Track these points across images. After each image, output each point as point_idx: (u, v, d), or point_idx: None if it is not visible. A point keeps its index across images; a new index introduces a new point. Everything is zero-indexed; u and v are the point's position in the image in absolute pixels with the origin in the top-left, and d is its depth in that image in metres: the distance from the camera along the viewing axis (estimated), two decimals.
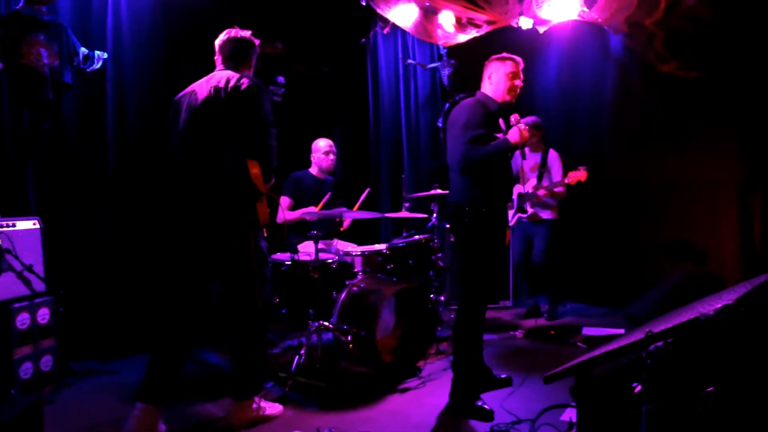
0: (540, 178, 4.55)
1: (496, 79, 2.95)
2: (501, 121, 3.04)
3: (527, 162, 4.64)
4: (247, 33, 2.77)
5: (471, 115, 2.86)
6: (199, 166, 2.57)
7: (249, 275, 2.60)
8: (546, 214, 4.54)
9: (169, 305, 2.63)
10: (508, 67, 2.94)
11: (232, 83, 2.55)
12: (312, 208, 3.85)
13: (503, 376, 3.14)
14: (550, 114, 5.47)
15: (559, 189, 4.45)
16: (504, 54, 3.00)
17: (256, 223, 2.56)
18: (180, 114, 2.62)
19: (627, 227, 5.03)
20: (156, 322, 2.67)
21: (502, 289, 5.20)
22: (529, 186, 4.57)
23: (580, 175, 4.26)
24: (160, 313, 2.65)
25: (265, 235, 2.69)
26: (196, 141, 2.57)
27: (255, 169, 2.52)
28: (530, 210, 4.55)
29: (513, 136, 2.84)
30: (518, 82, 2.97)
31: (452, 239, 3.96)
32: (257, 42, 2.82)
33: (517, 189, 4.65)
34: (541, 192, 4.47)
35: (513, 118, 2.95)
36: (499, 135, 2.92)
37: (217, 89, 2.55)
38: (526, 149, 4.64)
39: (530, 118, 4.57)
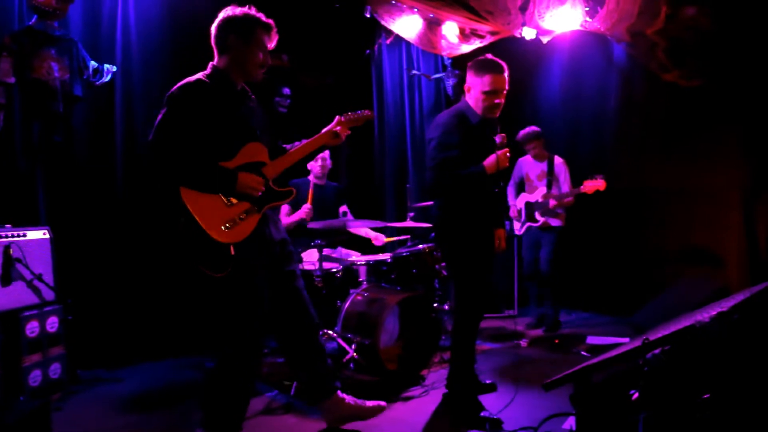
0: (549, 187, 4.52)
1: (474, 95, 2.68)
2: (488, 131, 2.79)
3: (533, 170, 4.63)
4: (226, 11, 2.25)
5: (445, 134, 2.62)
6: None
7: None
8: (555, 222, 4.52)
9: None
10: (486, 83, 2.59)
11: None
12: (305, 206, 3.88)
13: (488, 381, 3.13)
14: (554, 123, 5.50)
15: (569, 199, 4.40)
16: (482, 59, 2.65)
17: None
18: None
19: (632, 235, 5.02)
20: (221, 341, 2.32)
21: (508, 298, 5.20)
22: (539, 195, 4.54)
23: (598, 184, 4.14)
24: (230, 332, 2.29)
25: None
26: None
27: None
28: (540, 219, 4.53)
29: (489, 163, 2.59)
30: (498, 100, 2.61)
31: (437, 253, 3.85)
32: (237, 14, 2.21)
33: (524, 198, 4.66)
34: (552, 202, 4.42)
35: (499, 138, 2.66)
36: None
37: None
38: (530, 158, 4.66)
39: (529, 129, 4.58)
